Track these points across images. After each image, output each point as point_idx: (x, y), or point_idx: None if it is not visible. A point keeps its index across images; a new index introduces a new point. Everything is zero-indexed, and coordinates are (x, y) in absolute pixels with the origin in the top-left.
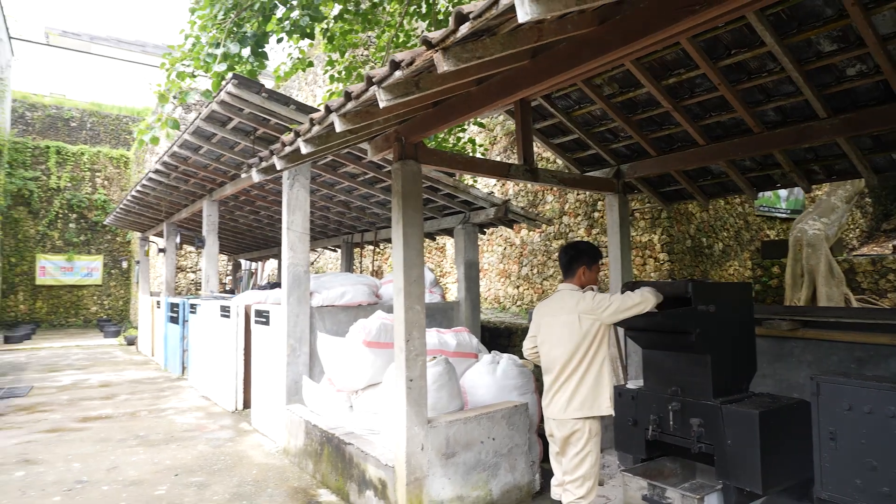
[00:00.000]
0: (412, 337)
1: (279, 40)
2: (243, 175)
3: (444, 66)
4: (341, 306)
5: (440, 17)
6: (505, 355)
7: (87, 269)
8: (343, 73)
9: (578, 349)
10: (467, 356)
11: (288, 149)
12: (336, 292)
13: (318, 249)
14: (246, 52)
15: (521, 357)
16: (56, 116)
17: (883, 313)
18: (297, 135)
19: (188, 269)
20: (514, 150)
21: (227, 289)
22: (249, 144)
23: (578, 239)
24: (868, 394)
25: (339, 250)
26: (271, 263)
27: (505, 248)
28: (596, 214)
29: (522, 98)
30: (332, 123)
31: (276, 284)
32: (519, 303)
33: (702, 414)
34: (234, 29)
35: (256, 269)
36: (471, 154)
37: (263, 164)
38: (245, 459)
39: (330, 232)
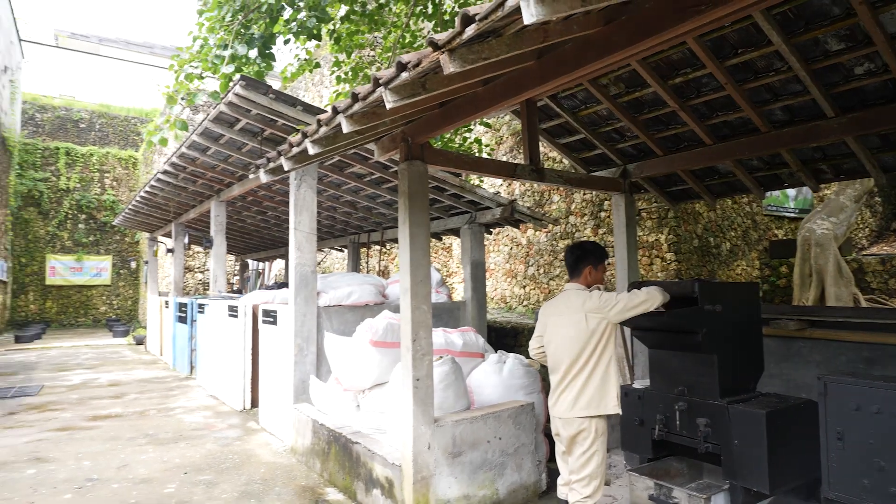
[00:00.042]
0: (419, 336)
1: (286, 42)
2: (251, 176)
3: (450, 67)
4: (348, 306)
5: (446, 17)
6: (511, 355)
7: (97, 269)
8: (349, 73)
9: (585, 348)
10: (473, 356)
11: (295, 150)
12: (343, 292)
13: (325, 249)
14: (253, 53)
15: (528, 357)
16: (65, 118)
17: (892, 313)
18: (305, 136)
19: (196, 270)
20: (521, 150)
21: (235, 289)
22: (257, 145)
23: (585, 239)
24: (876, 394)
25: (346, 250)
26: (278, 263)
27: (511, 248)
28: (602, 214)
29: (528, 98)
30: (339, 124)
31: (284, 284)
32: (525, 303)
33: (708, 414)
34: (242, 31)
35: (264, 269)
36: (477, 154)
37: (271, 164)
38: (253, 458)
39: (337, 232)
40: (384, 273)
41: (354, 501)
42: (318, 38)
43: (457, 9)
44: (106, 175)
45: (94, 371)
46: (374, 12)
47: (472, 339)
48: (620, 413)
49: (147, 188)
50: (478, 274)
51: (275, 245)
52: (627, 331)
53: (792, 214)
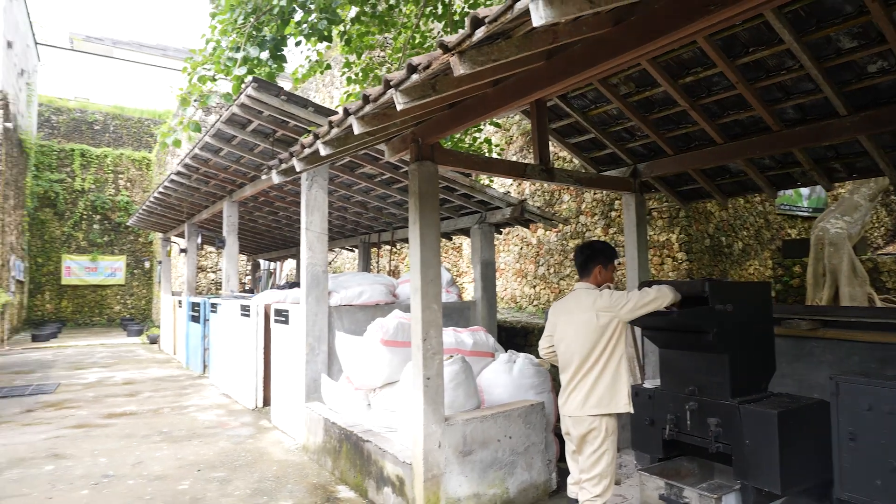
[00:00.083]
0: (429, 336)
1: (297, 43)
2: (263, 177)
3: (460, 69)
4: (359, 305)
5: (456, 17)
6: (521, 354)
7: (111, 269)
8: (360, 74)
9: (596, 346)
10: (484, 355)
11: (307, 151)
12: (354, 292)
13: (336, 249)
14: (265, 55)
15: (538, 356)
16: (80, 120)
17: None
18: (317, 137)
19: (208, 269)
20: (531, 150)
21: (247, 288)
22: (268, 146)
23: (595, 238)
24: (888, 394)
25: (357, 250)
26: (289, 263)
27: (521, 248)
28: (613, 214)
29: (538, 99)
30: (350, 126)
31: (295, 284)
32: (535, 302)
33: (719, 414)
34: (254, 33)
35: (275, 269)
36: (487, 154)
37: (283, 165)
38: (265, 456)
39: (347, 232)
40: (394, 273)
41: (365, 499)
42: (329, 39)
43: (467, 9)
44: (120, 176)
45: (109, 369)
46: (384, 13)
47: (482, 338)
48: (632, 412)
49: (161, 189)
50: (488, 274)
51: (286, 245)
52: (638, 330)
53: (805, 213)
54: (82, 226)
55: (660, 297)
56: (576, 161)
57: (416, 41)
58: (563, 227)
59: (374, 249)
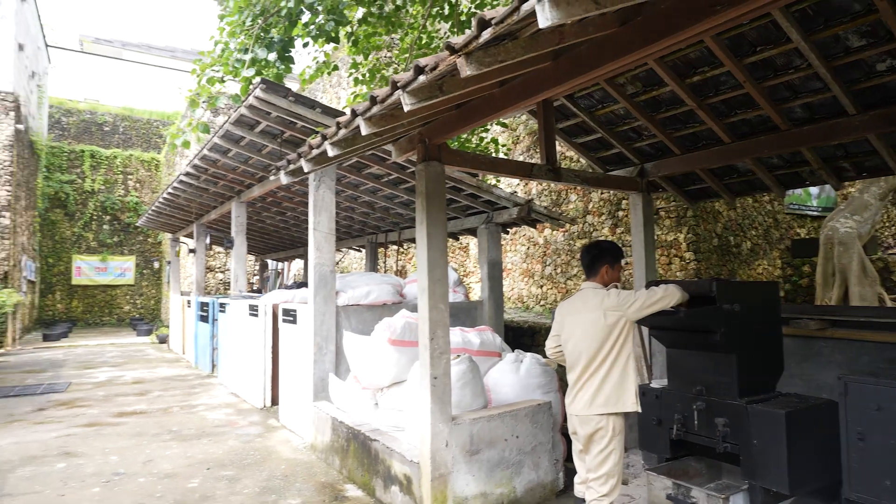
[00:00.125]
0: (436, 335)
1: (305, 45)
2: (271, 177)
3: (466, 70)
4: (366, 305)
5: (462, 17)
6: (528, 354)
7: (121, 269)
8: (367, 75)
9: (604, 345)
10: (491, 355)
11: (315, 151)
12: (361, 291)
13: (343, 249)
14: (272, 56)
15: (545, 356)
16: (90, 121)
17: None
18: (324, 138)
19: (217, 269)
20: (538, 149)
21: (255, 288)
22: (276, 147)
23: (602, 238)
24: None
25: (364, 250)
26: (297, 263)
27: (528, 248)
28: (620, 213)
29: (545, 99)
30: (357, 127)
31: (303, 284)
32: (542, 302)
33: (727, 413)
34: (262, 35)
35: (283, 269)
36: (493, 154)
37: (291, 166)
38: (274, 454)
39: (354, 232)
40: (401, 273)
41: (373, 498)
42: (336, 40)
43: (473, 10)
44: (129, 177)
45: (119, 369)
46: (391, 14)
47: (489, 338)
48: (639, 411)
49: (170, 190)
50: (495, 273)
51: (294, 245)
52: (645, 330)
53: (815, 213)
54: (92, 226)
55: (667, 297)
56: (583, 161)
57: (423, 41)
58: (570, 227)
59: (381, 249)
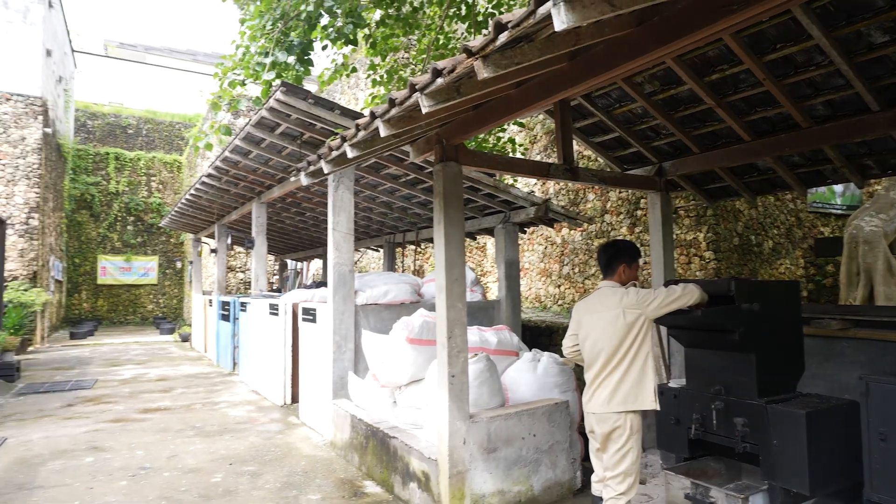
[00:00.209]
0: (454, 334)
1: (324, 47)
2: (291, 178)
3: (483, 73)
4: (385, 304)
5: (479, 17)
6: (545, 353)
7: (144, 269)
8: (384, 76)
9: (623, 343)
10: (508, 354)
11: (335, 153)
12: (379, 291)
13: (361, 249)
14: (292, 59)
15: (562, 356)
16: (115, 124)
17: None
18: (344, 140)
19: (238, 269)
20: (555, 149)
21: (275, 288)
22: (296, 148)
23: (619, 237)
24: None
25: (382, 250)
26: (316, 263)
27: (546, 247)
28: (639, 212)
29: (562, 99)
30: (376, 128)
31: (321, 284)
32: (560, 302)
33: (746, 413)
34: (282, 38)
35: (302, 269)
36: (511, 153)
37: (311, 167)
38: (294, 451)
39: (372, 232)
40: (419, 272)
41: (392, 494)
42: (355, 43)
43: (490, 10)
44: (152, 178)
45: (143, 366)
46: (408, 16)
47: (506, 337)
48: (657, 409)
49: (192, 191)
50: (512, 273)
51: (312, 245)
52: (664, 330)
53: (839, 211)
54: (117, 227)
55: (686, 295)
56: (600, 160)
57: (440, 42)
58: (587, 227)
59: (398, 249)
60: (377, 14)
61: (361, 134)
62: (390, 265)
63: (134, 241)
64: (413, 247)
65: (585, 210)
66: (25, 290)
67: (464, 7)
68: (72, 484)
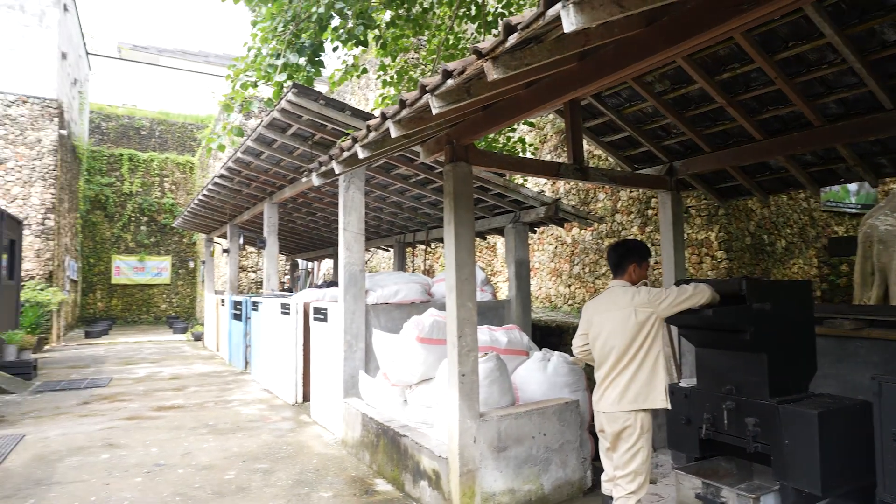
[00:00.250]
0: (464, 333)
1: (335, 49)
2: (303, 179)
3: (493, 74)
4: (395, 304)
5: (489, 17)
6: (556, 353)
7: (157, 269)
8: (395, 77)
9: (634, 342)
10: (518, 353)
11: (346, 154)
12: (390, 290)
13: (372, 249)
14: (303, 61)
15: (572, 355)
16: (128, 126)
17: None
18: (355, 141)
19: (249, 269)
20: (565, 148)
21: (286, 287)
22: (307, 149)
23: (630, 237)
24: None
25: (392, 250)
26: (326, 263)
27: (556, 247)
28: (650, 212)
29: (571, 99)
30: (387, 129)
31: (332, 283)
32: (570, 301)
33: (758, 413)
34: (293, 40)
35: (313, 269)
36: (521, 153)
37: (323, 168)
38: (306, 449)
39: (383, 232)
40: (429, 272)
41: (402, 492)
42: (365, 44)
43: (500, 9)
44: (165, 179)
45: (157, 365)
46: (418, 16)
47: (516, 336)
48: (668, 407)
49: (205, 191)
50: (522, 273)
51: (323, 245)
52: (674, 329)
53: (853, 210)
54: (130, 227)
55: (697, 294)
56: (610, 159)
57: (450, 43)
58: (598, 226)
59: (409, 249)
60: (387, 15)
61: (372, 135)
62: (401, 265)
63: (147, 241)
64: (423, 247)
65: (596, 210)
66: (42, 290)
67: (473, 7)
68: (88, 480)
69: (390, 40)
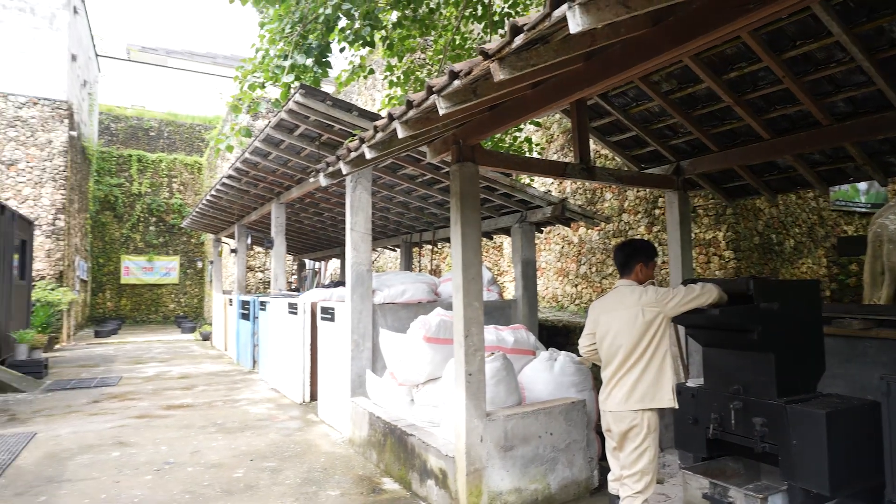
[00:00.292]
0: (471, 333)
1: (342, 49)
2: (310, 179)
3: (500, 74)
4: (402, 303)
5: (496, 18)
6: (562, 353)
7: (166, 269)
8: (401, 77)
9: (641, 341)
10: (525, 353)
11: (353, 154)
12: (397, 290)
13: (379, 249)
14: (310, 62)
15: (579, 355)
16: (137, 127)
17: None
18: (362, 141)
19: (257, 269)
20: (572, 148)
21: (293, 287)
22: (314, 150)
23: (637, 237)
24: None
25: (399, 250)
26: (333, 263)
27: (563, 247)
28: (657, 211)
29: (578, 98)
30: (394, 130)
31: (339, 283)
32: (577, 301)
33: (765, 413)
34: (301, 41)
35: (320, 269)
36: (527, 153)
37: (330, 168)
38: (313, 448)
39: (390, 232)
40: (436, 272)
41: (409, 491)
42: (372, 45)
43: (506, 10)
44: (174, 180)
45: (166, 364)
46: (424, 17)
47: (523, 336)
48: (675, 407)
49: (213, 192)
50: (528, 272)
51: (330, 245)
52: (682, 329)
53: (863, 209)
54: (139, 228)
55: (705, 294)
56: (617, 159)
57: (457, 43)
58: (605, 226)
59: (415, 249)
60: (394, 16)
61: (379, 135)
62: (407, 265)
63: (156, 241)
64: (430, 246)
65: (603, 209)
66: (52, 290)
67: (480, 7)
68: (99, 478)
69: (397, 41)
